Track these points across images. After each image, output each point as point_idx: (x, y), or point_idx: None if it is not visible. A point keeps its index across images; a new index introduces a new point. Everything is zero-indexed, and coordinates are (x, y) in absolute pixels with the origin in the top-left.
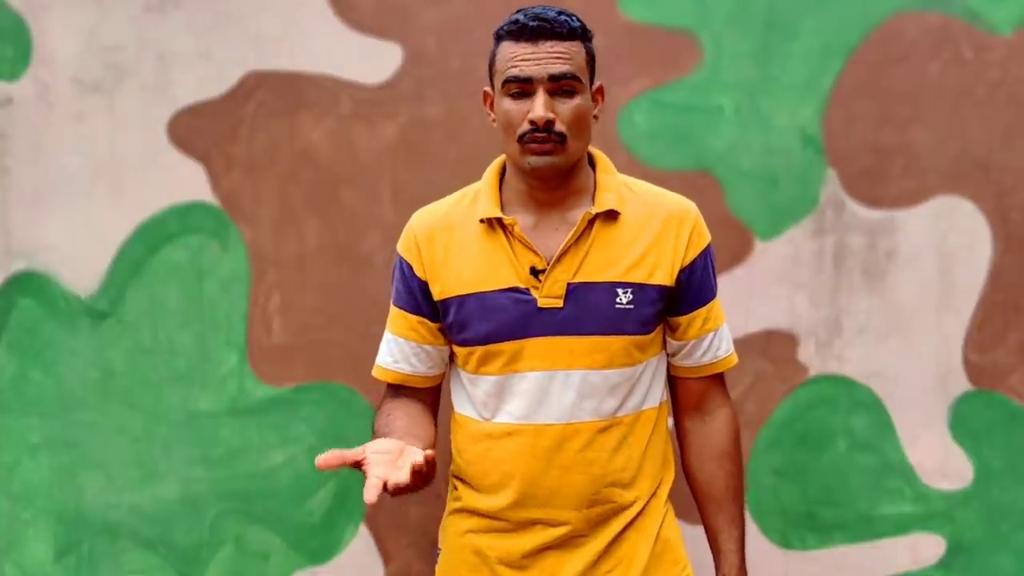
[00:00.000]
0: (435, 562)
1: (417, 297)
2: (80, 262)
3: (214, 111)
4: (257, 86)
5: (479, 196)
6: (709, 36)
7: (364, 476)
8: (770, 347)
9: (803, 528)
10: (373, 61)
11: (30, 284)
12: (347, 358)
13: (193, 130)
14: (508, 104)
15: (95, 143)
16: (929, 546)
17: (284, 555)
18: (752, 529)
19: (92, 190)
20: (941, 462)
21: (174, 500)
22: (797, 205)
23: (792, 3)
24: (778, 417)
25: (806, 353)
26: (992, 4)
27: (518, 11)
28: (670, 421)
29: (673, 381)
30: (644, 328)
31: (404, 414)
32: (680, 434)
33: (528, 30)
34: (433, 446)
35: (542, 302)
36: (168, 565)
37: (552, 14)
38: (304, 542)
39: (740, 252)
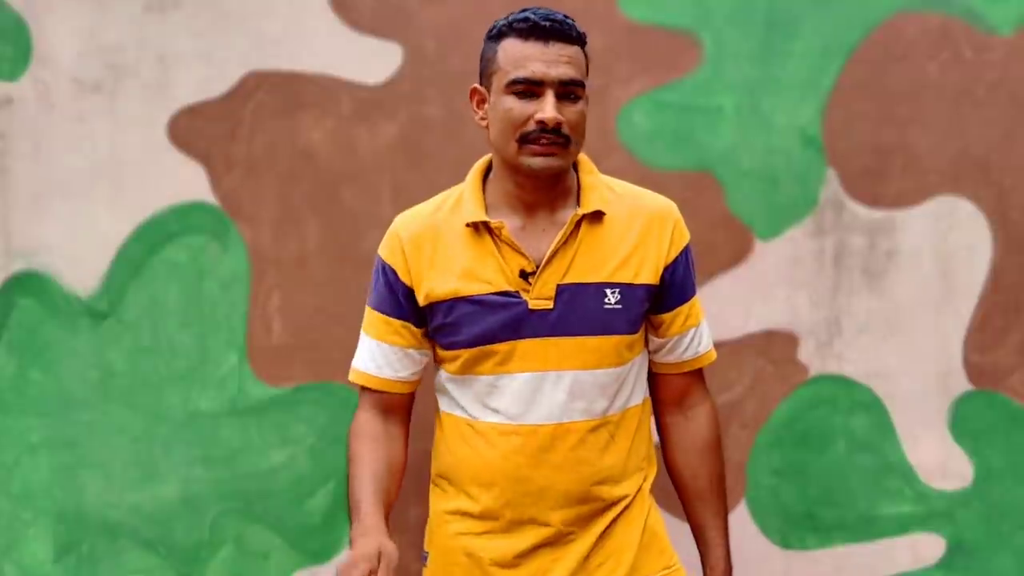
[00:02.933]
0: (423, 566)
1: (401, 302)
2: (80, 262)
3: (214, 111)
4: (257, 86)
5: (463, 199)
6: (709, 36)
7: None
8: (770, 347)
9: (803, 528)
10: (373, 61)
11: (30, 284)
12: (347, 358)
13: (193, 130)
14: (512, 103)
15: (95, 143)
16: (929, 546)
17: (284, 555)
18: (752, 529)
19: (92, 190)
20: (941, 462)
21: (174, 500)
22: (797, 205)
23: (792, 3)
24: (778, 417)
25: (806, 353)
26: (992, 4)
27: (523, 10)
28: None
29: (654, 379)
30: (632, 327)
31: (372, 459)
32: (661, 431)
33: (539, 29)
34: (402, 474)
35: (533, 304)
36: (168, 565)
37: (560, 16)
38: (304, 542)
39: (740, 252)
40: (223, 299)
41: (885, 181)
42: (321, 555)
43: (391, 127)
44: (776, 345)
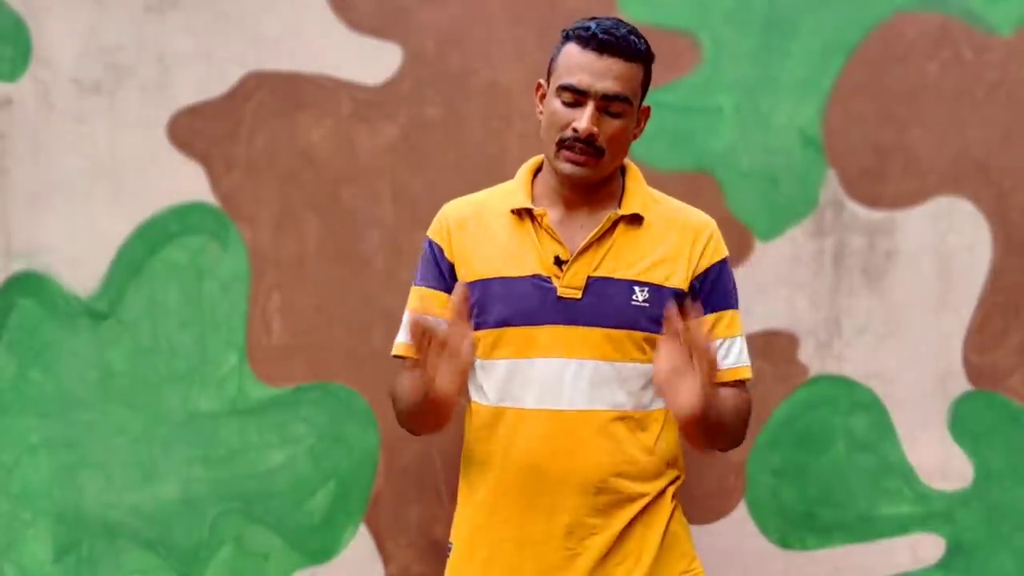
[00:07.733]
0: (446, 557)
1: (444, 275)
2: (80, 262)
3: (214, 111)
4: (257, 86)
5: (511, 189)
6: (708, 36)
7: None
8: (770, 347)
9: (803, 528)
10: (373, 61)
11: (30, 284)
12: (347, 358)
13: (193, 130)
14: (558, 106)
15: (95, 144)
16: (929, 546)
17: (284, 555)
18: (751, 529)
19: (92, 190)
20: (941, 462)
21: (174, 500)
22: (797, 205)
23: (792, 3)
24: (778, 417)
25: (806, 353)
26: (992, 4)
27: (592, 18)
28: None
29: None
30: (659, 326)
31: None
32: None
33: (597, 40)
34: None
35: (561, 291)
36: (168, 565)
37: (623, 31)
38: (304, 542)
39: (740, 252)
40: (223, 299)
41: (885, 181)
42: (321, 555)
43: (391, 128)
44: (776, 345)
